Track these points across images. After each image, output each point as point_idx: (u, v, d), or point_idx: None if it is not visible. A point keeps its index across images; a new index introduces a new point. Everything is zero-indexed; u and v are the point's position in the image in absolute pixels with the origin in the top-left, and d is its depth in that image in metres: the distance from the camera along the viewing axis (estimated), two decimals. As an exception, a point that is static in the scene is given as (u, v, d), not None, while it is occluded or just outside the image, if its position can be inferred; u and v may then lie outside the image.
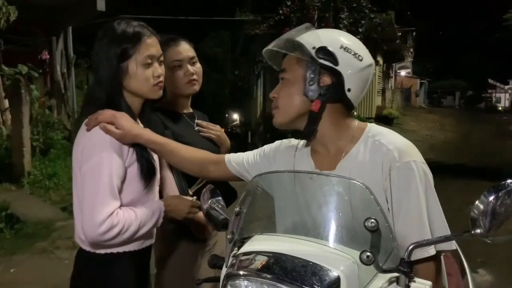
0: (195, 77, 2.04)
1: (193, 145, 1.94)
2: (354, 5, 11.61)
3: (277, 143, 1.62)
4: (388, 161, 1.26)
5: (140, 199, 1.59)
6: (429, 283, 0.95)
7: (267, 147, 1.63)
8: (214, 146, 2.14)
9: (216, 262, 1.12)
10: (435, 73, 48.64)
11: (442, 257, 1.58)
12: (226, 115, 14.74)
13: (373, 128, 1.40)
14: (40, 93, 8.06)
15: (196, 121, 2.15)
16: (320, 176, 1.15)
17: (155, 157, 1.69)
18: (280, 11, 12.00)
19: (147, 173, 1.59)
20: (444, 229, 1.23)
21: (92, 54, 1.61)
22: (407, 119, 21.27)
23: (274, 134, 11.52)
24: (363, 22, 11.46)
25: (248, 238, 0.99)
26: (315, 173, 1.19)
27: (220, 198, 1.25)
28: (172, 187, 1.89)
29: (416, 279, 0.93)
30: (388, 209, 1.22)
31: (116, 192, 1.48)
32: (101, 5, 8.75)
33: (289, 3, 11.92)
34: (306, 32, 1.37)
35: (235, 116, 14.69)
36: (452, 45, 58.83)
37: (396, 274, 0.92)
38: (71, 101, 9.90)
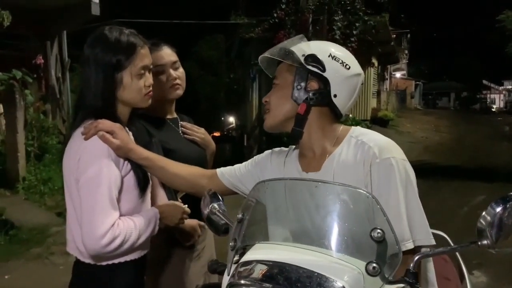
0: (178, 81, 2.03)
1: (179, 150, 1.94)
2: (348, 8, 11.63)
3: (267, 152, 1.68)
4: (369, 158, 1.32)
5: (135, 208, 1.57)
6: (435, 293, 0.93)
7: (258, 157, 1.69)
8: (200, 149, 2.12)
9: (217, 268, 1.11)
10: (430, 75, 48.87)
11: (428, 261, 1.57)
12: (222, 118, 14.73)
13: (356, 129, 1.48)
14: (34, 98, 8.01)
15: (180, 123, 2.13)
16: (325, 184, 1.15)
17: None
18: (275, 15, 11.99)
19: (143, 182, 1.58)
20: (423, 225, 1.27)
21: (81, 60, 1.58)
22: (403, 121, 21.33)
23: (269, 137, 11.52)
24: (357, 24, 11.49)
25: (250, 245, 0.98)
26: (320, 181, 1.18)
27: (221, 202, 1.25)
28: (161, 194, 1.88)
29: (422, 289, 0.92)
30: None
31: (116, 203, 1.46)
32: (95, 9, 8.71)
33: (283, 7, 11.92)
34: (299, 42, 1.48)
35: (231, 119, 14.69)
36: (446, 47, 59.14)
37: (401, 285, 0.90)
38: (66, 105, 9.84)
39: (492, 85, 52.49)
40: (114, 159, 1.49)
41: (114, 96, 1.55)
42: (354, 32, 11.46)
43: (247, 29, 13.55)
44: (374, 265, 0.86)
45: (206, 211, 1.28)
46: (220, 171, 1.70)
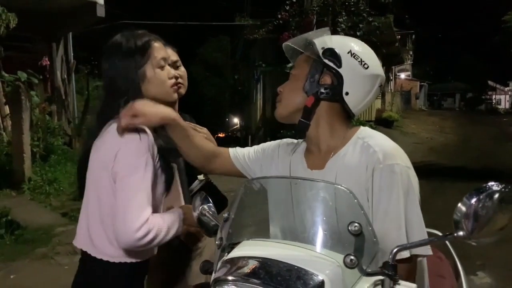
0: (180, 80, 2.06)
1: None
2: (353, 9, 11.65)
3: (277, 142, 1.67)
4: (372, 162, 1.29)
5: (158, 205, 1.59)
6: (414, 285, 0.97)
7: (267, 145, 1.68)
8: None
9: (208, 268, 1.14)
10: (435, 76, 48.69)
11: (423, 260, 1.60)
12: (226, 119, 14.79)
13: (364, 130, 1.44)
14: (40, 99, 8.09)
15: None
16: (305, 181, 1.18)
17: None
18: (279, 16, 12.04)
19: (170, 180, 1.60)
20: (422, 235, 1.25)
21: (102, 70, 1.61)
22: (407, 122, 21.27)
23: (274, 138, 11.51)
24: (361, 25, 11.50)
25: (237, 243, 1.02)
26: (300, 179, 1.21)
27: (211, 204, 1.27)
28: (180, 196, 1.92)
29: (401, 281, 0.95)
30: (369, 208, 1.25)
31: (151, 198, 1.47)
32: (101, 11, 8.79)
33: (287, 8, 11.97)
34: (323, 34, 1.44)
35: (235, 120, 14.75)
36: (451, 47, 58.84)
37: (381, 277, 0.94)
38: (72, 106, 9.94)
39: (498, 85, 52.21)
40: (152, 156, 1.49)
41: (141, 93, 1.57)
42: (358, 33, 11.45)
43: (252, 30, 13.61)
44: (352, 257, 0.90)
45: (196, 213, 1.30)
46: (233, 152, 1.70)
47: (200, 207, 1.25)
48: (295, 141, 1.60)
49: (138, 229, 1.39)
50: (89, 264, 1.55)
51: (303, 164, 1.46)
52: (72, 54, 10.28)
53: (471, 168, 11.36)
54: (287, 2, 11.96)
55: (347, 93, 1.37)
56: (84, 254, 1.57)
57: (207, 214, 1.24)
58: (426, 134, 18.70)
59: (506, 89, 55.16)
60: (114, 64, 1.57)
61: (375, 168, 1.28)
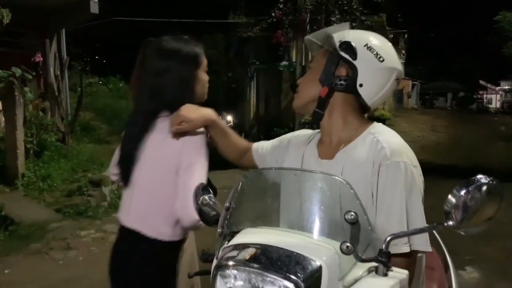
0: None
1: None
2: (346, 8, 11.72)
3: (294, 132, 1.74)
4: (379, 158, 1.32)
5: None
6: (406, 272, 1.01)
7: (284, 136, 1.75)
8: None
9: (207, 257, 1.19)
10: (427, 75, 48.93)
11: (422, 256, 1.65)
12: (220, 117, 14.78)
13: (376, 126, 1.47)
14: (33, 96, 8.07)
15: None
16: (304, 173, 1.22)
17: None
18: (273, 14, 12.08)
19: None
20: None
21: (152, 70, 1.78)
22: (399, 121, 21.42)
23: (267, 135, 11.58)
24: (354, 24, 11.56)
25: (238, 232, 1.06)
26: (299, 170, 1.26)
27: (211, 195, 1.30)
28: None
29: (393, 268, 1.00)
30: (373, 203, 1.28)
31: None
32: (94, 7, 8.77)
33: (281, 6, 12.01)
34: (342, 29, 1.48)
35: (229, 118, 14.74)
36: (444, 47, 59.20)
37: (375, 264, 0.99)
38: (65, 103, 9.91)
39: (489, 85, 52.65)
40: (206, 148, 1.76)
41: (194, 93, 1.81)
42: (351, 32, 11.50)
43: (246, 28, 13.63)
44: (348, 244, 0.94)
45: (197, 204, 1.34)
46: (255, 146, 1.81)
47: (201, 198, 1.29)
48: (311, 132, 1.64)
49: None
50: (147, 243, 1.74)
51: (315, 154, 1.50)
52: (65, 50, 10.24)
53: (461, 166, 11.47)
54: (281, 0, 12.01)
55: (361, 85, 1.39)
56: (138, 236, 1.75)
57: (207, 204, 1.27)
58: (418, 133, 18.84)
59: (497, 88, 55.69)
60: (173, 67, 1.77)
61: (382, 164, 1.31)
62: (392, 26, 21.04)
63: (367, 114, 1.59)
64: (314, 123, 1.52)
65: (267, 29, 12.50)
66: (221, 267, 0.95)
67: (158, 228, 1.72)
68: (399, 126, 19.40)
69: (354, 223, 0.98)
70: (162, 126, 1.75)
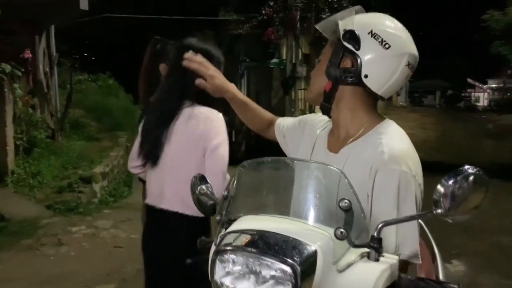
0: None
1: None
2: (336, 6, 11.79)
3: (312, 115, 1.69)
4: (377, 163, 1.29)
5: None
6: (396, 257, 1.06)
7: (303, 118, 1.74)
8: None
9: (205, 244, 1.22)
10: (417, 73, 48.85)
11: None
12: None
13: (386, 125, 1.42)
14: (23, 92, 8.02)
15: None
16: (300, 162, 1.27)
17: None
18: (263, 12, 12.12)
19: None
20: (414, 244, 1.28)
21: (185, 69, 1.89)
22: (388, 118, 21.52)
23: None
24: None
25: (235, 219, 1.10)
26: (295, 160, 1.30)
27: (208, 185, 1.34)
28: None
29: (385, 253, 1.04)
30: (368, 203, 1.28)
31: None
32: (84, 4, 8.70)
33: (272, 4, 12.05)
34: (350, 14, 1.40)
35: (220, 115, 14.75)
36: (433, 46, 59.58)
37: (367, 249, 1.03)
38: (54, 100, 9.85)
39: (477, 83, 53.21)
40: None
41: None
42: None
43: (236, 25, 13.64)
44: (342, 230, 0.98)
45: (194, 193, 1.36)
46: (277, 122, 1.80)
47: (199, 187, 1.32)
48: (326, 118, 1.55)
49: (228, 180, 1.94)
50: (185, 220, 2.00)
51: (324, 143, 1.48)
52: (54, 47, 10.18)
53: (450, 163, 11.54)
54: (271, -2, 12.05)
55: (366, 76, 1.33)
56: (176, 215, 2.02)
57: (205, 194, 1.31)
58: (407, 130, 18.41)
59: (485, 87, 56.24)
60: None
61: (379, 169, 1.28)
62: (382, 24, 21.11)
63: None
64: (326, 115, 1.49)
65: (258, 26, 12.54)
66: (220, 252, 0.98)
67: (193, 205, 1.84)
68: (388, 123, 19.49)
69: (348, 210, 1.02)
70: (187, 114, 2.03)
